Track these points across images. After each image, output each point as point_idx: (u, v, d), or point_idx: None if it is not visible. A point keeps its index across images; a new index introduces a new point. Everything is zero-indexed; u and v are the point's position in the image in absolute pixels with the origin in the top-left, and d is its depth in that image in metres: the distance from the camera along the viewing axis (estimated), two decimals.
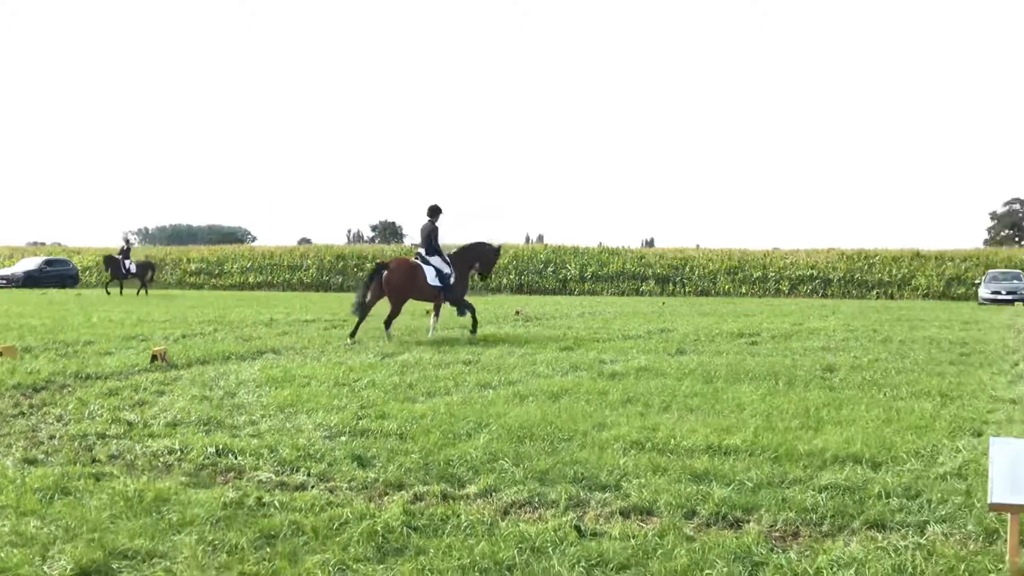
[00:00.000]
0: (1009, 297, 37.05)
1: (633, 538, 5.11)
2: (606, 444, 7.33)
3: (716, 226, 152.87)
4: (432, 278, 17.16)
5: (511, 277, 52.13)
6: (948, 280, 45.28)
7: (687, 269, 50.19)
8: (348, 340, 16.11)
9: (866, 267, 47.14)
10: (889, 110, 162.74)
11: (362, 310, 16.80)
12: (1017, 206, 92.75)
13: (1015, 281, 38.84)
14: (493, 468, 6.61)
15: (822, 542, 5.07)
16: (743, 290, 48.36)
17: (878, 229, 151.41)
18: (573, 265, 51.76)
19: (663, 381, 10.82)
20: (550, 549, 4.97)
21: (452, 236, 76.33)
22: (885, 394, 9.95)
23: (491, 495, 6.04)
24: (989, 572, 4.50)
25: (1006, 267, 43.70)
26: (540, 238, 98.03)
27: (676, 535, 5.12)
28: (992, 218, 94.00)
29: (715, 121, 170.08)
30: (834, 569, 4.60)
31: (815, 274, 47.53)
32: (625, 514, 5.62)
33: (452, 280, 17.50)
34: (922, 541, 4.99)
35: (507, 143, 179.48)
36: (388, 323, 16.90)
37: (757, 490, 6.00)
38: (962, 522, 5.30)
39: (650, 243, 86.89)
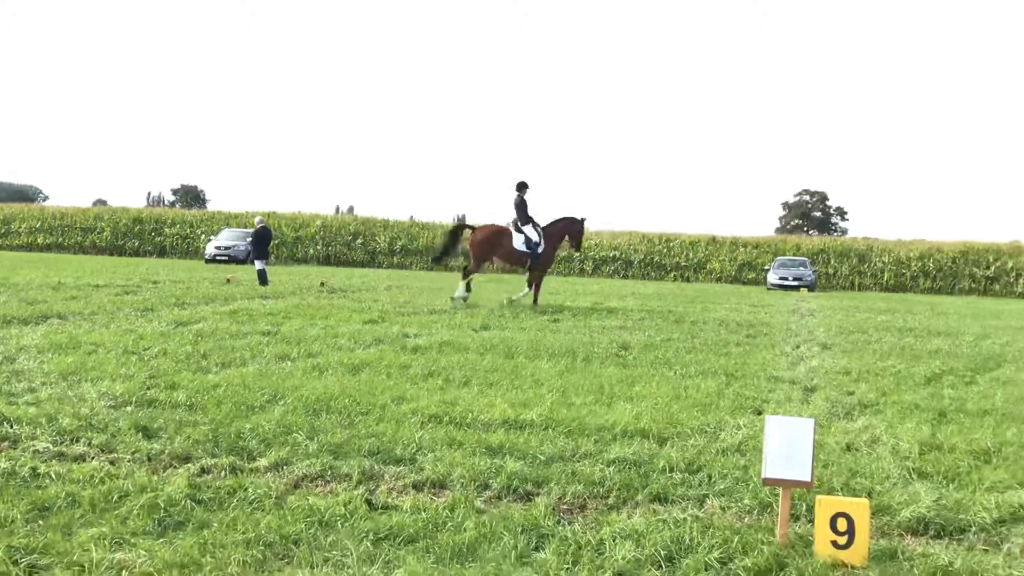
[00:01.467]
0: (795, 283, 39.28)
1: (424, 511, 5.10)
2: (404, 418, 7.29)
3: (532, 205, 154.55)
4: (519, 244, 18.76)
5: (318, 248, 51.18)
6: (740, 265, 47.60)
7: None
8: (458, 295, 18.80)
9: (665, 250, 48.97)
10: (695, 106, 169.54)
11: (439, 261, 19.61)
12: (807, 197, 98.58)
13: (801, 268, 41.21)
14: (286, 441, 6.47)
15: (607, 514, 5.22)
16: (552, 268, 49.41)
17: (679, 215, 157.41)
18: (383, 238, 51.33)
19: (465, 355, 10.88)
20: (339, 523, 4.90)
21: (254, 205, 73.66)
22: (675, 372, 10.36)
23: (282, 468, 5.91)
24: (760, 544, 4.73)
25: (794, 254, 46.32)
26: (351, 209, 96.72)
27: (466, 508, 5.14)
28: (784, 208, 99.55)
29: (542, 101, 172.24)
30: (616, 541, 4.73)
31: (618, 255, 49.02)
32: (418, 487, 5.61)
33: (540, 249, 18.99)
34: (700, 514, 5.21)
35: (317, 112, 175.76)
36: (465, 274, 19.03)
37: (549, 464, 6.11)
38: (739, 496, 5.57)
39: (462, 219, 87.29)
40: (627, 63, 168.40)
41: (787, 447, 4.82)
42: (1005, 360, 12.77)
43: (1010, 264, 44.55)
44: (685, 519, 5.07)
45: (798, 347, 13.67)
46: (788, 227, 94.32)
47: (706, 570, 4.46)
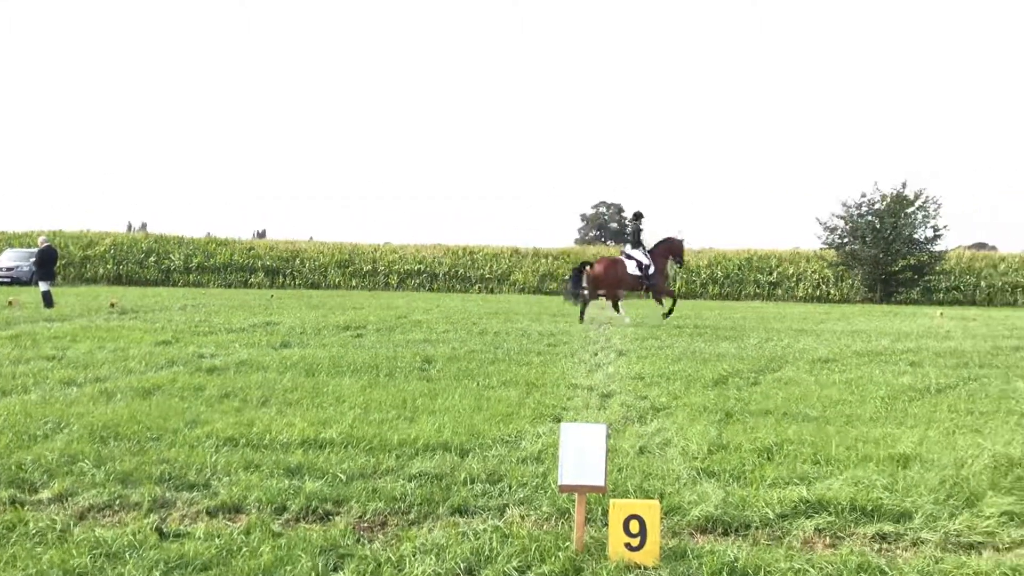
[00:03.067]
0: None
1: (218, 537, 4.93)
2: (197, 442, 7.03)
3: (329, 221, 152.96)
4: (633, 269, 21.41)
5: (108, 267, 48.71)
6: (542, 276, 48.66)
7: (298, 262, 49.77)
8: (579, 322, 21.03)
9: (469, 262, 49.46)
10: (494, 121, 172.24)
11: (576, 298, 21.95)
12: (603, 209, 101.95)
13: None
14: (71, 471, 6.13)
15: (408, 530, 5.20)
16: (354, 283, 48.85)
17: (482, 229, 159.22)
18: (177, 255, 49.40)
19: (264, 375, 10.61)
20: (127, 554, 4.67)
21: (37, 223, 69.81)
22: (478, 383, 10.46)
23: (67, 500, 5.61)
24: (557, 549, 4.83)
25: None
26: (143, 226, 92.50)
27: (263, 532, 5.01)
28: (582, 219, 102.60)
29: (297, 119, 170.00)
30: (416, 556, 4.72)
31: (422, 268, 49.10)
32: (212, 513, 5.42)
33: (651, 271, 21.55)
34: (500, 524, 5.27)
35: (106, 127, 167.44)
36: (616, 307, 22.07)
37: (349, 482, 6.03)
38: (538, 504, 5.67)
39: (262, 235, 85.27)
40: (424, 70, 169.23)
41: (581, 453, 4.95)
42: (786, 361, 13.57)
43: (790, 270, 47.53)
44: (485, 530, 5.12)
45: (596, 354, 14.08)
46: (587, 238, 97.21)
47: None
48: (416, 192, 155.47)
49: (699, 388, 10.55)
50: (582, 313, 21.98)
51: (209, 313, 21.78)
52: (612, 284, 21.63)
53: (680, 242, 22.31)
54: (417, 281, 48.76)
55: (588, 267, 21.81)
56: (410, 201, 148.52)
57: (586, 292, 21.81)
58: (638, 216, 22.27)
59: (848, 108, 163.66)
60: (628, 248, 22.03)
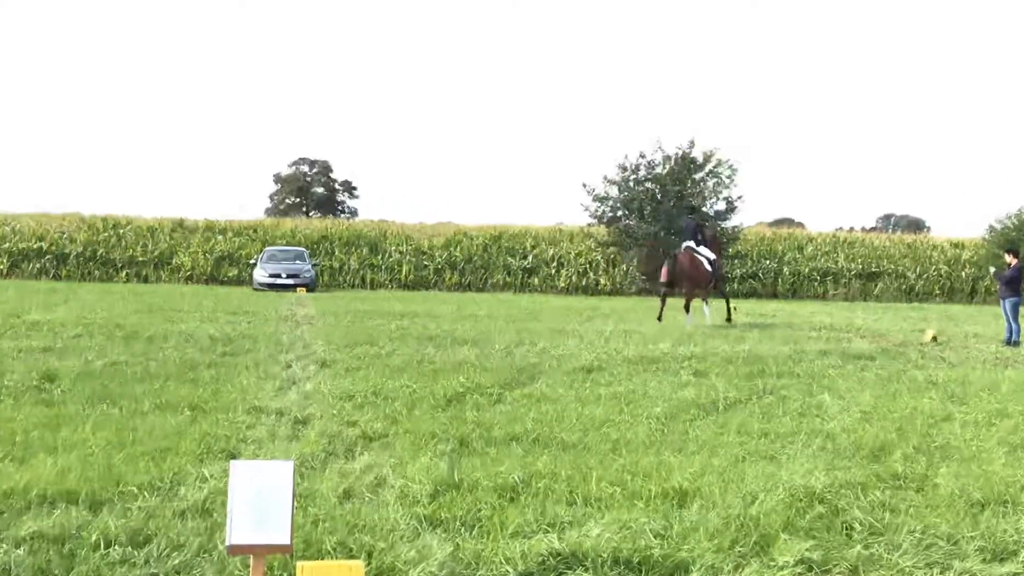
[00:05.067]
0: (290, 282, 40.04)
1: None
2: None
3: None
4: (707, 265, 26.21)
5: None
6: (219, 259, 47.77)
7: None
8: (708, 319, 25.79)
9: (115, 239, 47.81)
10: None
11: (669, 287, 26.44)
12: (305, 168, 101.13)
13: (298, 262, 42.14)
14: None
15: None
16: None
17: (134, 196, 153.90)
18: None
19: None
20: None
21: None
22: (121, 409, 10.17)
23: None
24: None
25: (288, 243, 47.37)
26: None
27: None
28: (276, 181, 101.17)
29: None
30: None
31: (45, 247, 46.92)
32: None
33: (717, 264, 26.95)
34: None
35: None
36: (688, 308, 26.00)
37: None
38: (201, 572, 5.59)
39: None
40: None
41: (261, 501, 4.91)
42: (541, 372, 14.05)
43: (550, 252, 49.04)
44: None
45: (290, 366, 14.03)
46: (282, 207, 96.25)
47: None
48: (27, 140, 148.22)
49: (427, 409, 10.73)
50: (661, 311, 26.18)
51: None
52: (702, 282, 26.21)
53: (715, 232, 28.03)
54: (37, 265, 46.56)
55: (675, 262, 26.01)
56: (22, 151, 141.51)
57: (666, 288, 26.54)
58: (695, 210, 29.18)
59: (632, 56, 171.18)
60: (690, 243, 26.66)
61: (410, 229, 51.02)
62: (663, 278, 26.34)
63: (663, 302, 26.75)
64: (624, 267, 47.44)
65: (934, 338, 21.64)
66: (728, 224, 44.98)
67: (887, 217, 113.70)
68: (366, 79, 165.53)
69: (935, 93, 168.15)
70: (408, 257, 48.14)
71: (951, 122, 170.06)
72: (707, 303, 26.89)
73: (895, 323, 28.27)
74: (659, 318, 25.77)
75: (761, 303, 28.18)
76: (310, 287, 40.45)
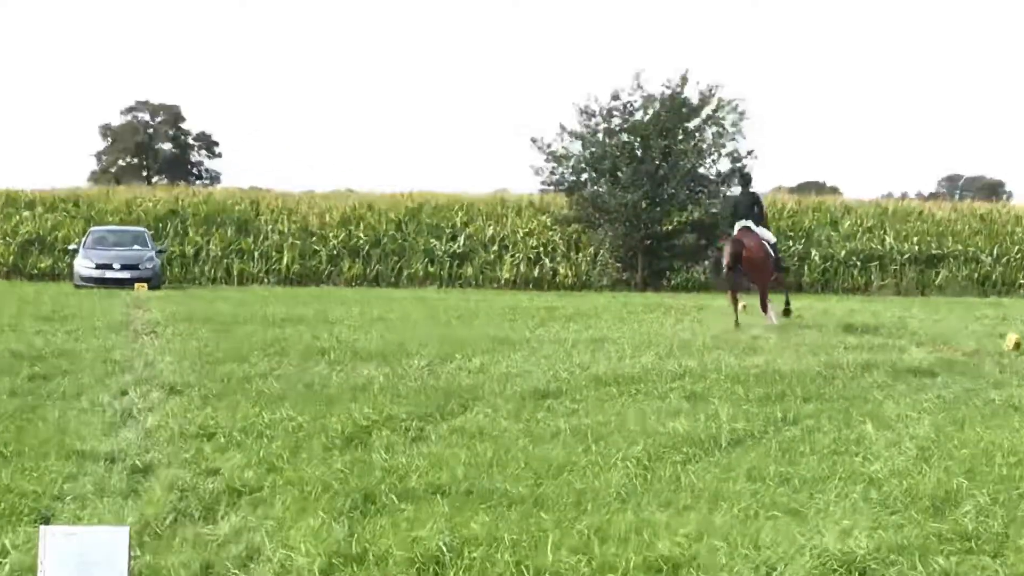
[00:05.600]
0: (126, 275, 39.34)
1: None
2: None
3: None
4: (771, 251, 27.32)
5: None
6: (24, 244, 47.31)
7: None
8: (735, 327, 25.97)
9: None
10: None
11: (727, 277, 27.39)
12: (145, 115, 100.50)
13: (137, 247, 41.58)
14: None
15: None
16: None
17: None
18: None
19: None
20: None
21: None
22: None
23: None
24: None
25: (122, 221, 46.92)
26: None
27: None
28: (105, 135, 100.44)
29: None
30: None
31: None
32: None
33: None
34: None
35: None
36: (765, 305, 27.23)
37: None
38: None
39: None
40: None
41: None
42: (477, 397, 14.01)
43: (490, 231, 48.84)
44: None
45: (125, 393, 13.93)
46: (114, 170, 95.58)
47: None
48: None
49: (317, 451, 10.69)
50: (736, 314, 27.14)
51: None
52: (768, 272, 27.32)
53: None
54: None
55: (740, 246, 26.45)
56: None
57: (729, 278, 27.39)
58: (748, 180, 29.42)
59: None
60: (748, 223, 27.13)
61: (294, 201, 50.85)
62: (726, 263, 26.67)
63: (735, 300, 27.54)
64: (592, 251, 47.36)
65: (1018, 345, 21.68)
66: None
67: (952, 179, 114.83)
68: None
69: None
70: (291, 240, 47.97)
71: None
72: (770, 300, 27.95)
73: (964, 325, 28.42)
74: (736, 323, 26.51)
75: (780, 298, 28.22)
76: (153, 282, 40.02)
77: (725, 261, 26.52)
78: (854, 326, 26.75)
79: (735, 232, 27.12)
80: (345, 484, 9.36)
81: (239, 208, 49.22)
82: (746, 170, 28.79)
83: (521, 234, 48.46)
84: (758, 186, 46.19)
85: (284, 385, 14.66)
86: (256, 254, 47.39)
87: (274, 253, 47.48)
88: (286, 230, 47.95)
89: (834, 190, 78.70)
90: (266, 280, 46.66)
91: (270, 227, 47.98)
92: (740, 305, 27.47)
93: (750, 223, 27.28)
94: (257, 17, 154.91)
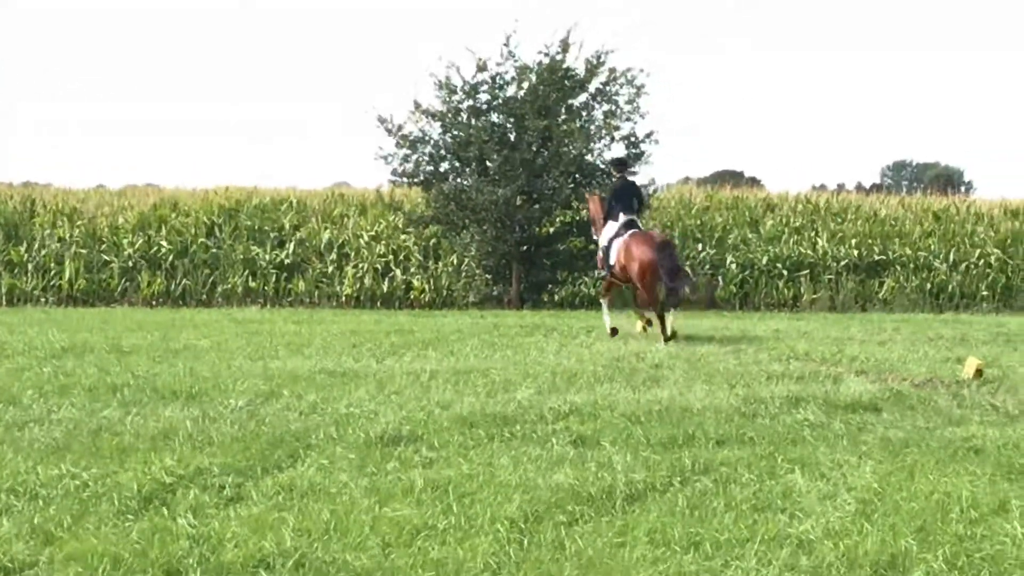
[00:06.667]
0: None
1: None
2: None
3: None
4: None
5: None
6: None
7: None
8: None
9: None
10: None
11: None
12: None
13: None
14: None
15: None
16: None
17: None
18: None
19: None
20: None
21: None
22: None
23: None
24: None
25: None
26: None
27: None
28: None
29: None
30: None
31: None
32: None
33: None
34: None
35: None
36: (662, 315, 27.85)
37: None
38: None
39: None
40: None
41: None
42: (310, 445, 13.97)
43: (326, 236, 48.66)
44: None
45: None
46: None
47: None
48: None
49: (107, 515, 10.61)
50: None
51: None
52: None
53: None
54: None
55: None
56: None
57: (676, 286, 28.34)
58: (624, 164, 31.46)
59: None
60: (632, 216, 29.08)
61: (79, 199, 50.38)
62: (618, 263, 28.05)
63: (609, 299, 29.76)
64: (455, 260, 47.30)
65: (979, 372, 21.92)
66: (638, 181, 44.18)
67: (899, 167, 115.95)
68: None
69: None
70: (75, 249, 47.52)
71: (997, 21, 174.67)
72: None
73: (914, 349, 28.67)
74: (612, 330, 28.58)
75: (689, 316, 28.26)
76: None
77: (617, 263, 27.82)
78: (779, 351, 26.93)
79: (626, 235, 27.96)
80: (142, 557, 9.30)
81: (8, 209, 48.69)
82: (622, 155, 28.27)
83: (366, 239, 48.13)
84: (659, 176, 46.21)
85: (65, 433, 14.52)
86: (30, 267, 46.74)
87: (53, 265, 46.84)
88: (68, 236, 47.38)
89: (754, 181, 79.43)
90: (43, 299, 46.11)
91: (47, 232, 47.43)
92: (645, 322, 28.64)
93: (634, 217, 28.50)
94: None
